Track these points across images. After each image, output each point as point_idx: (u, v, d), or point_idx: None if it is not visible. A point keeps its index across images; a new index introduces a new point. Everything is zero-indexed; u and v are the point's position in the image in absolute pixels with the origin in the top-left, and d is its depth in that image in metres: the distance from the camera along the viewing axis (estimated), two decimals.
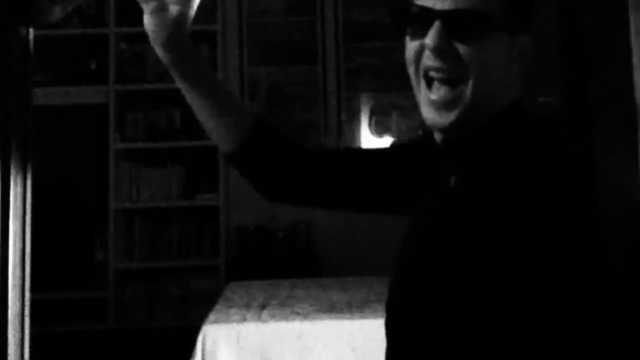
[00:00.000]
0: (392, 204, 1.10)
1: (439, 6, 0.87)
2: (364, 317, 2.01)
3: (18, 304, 0.87)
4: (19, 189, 0.89)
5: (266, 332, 1.98)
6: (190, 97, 1.06)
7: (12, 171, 0.88)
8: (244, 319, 2.05)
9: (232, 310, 2.18)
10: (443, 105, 0.88)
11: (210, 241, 3.57)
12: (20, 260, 0.88)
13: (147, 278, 3.56)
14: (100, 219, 3.55)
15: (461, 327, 0.80)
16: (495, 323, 0.79)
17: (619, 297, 0.88)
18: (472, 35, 0.87)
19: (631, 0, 1.24)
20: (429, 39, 0.86)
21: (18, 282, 0.87)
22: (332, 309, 2.15)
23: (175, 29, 0.94)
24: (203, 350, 1.96)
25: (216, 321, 2.04)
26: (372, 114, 3.71)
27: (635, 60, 1.24)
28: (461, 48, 0.87)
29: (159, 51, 0.98)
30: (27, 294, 0.90)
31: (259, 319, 2.06)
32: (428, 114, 0.90)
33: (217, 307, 2.26)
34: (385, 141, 3.68)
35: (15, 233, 0.87)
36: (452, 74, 0.87)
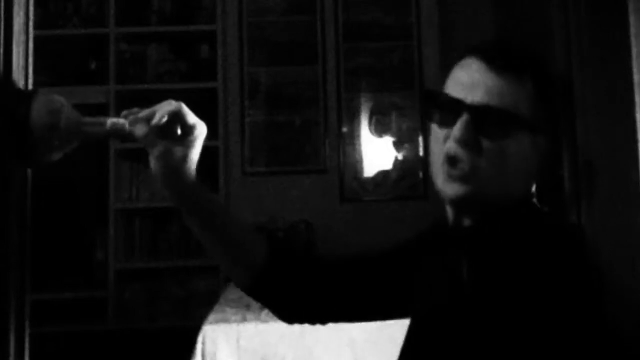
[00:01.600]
0: (391, 307, 1.12)
1: (469, 100, 0.90)
2: None
3: (18, 304, 0.87)
4: (19, 189, 0.89)
5: (266, 332, 1.98)
6: (198, 232, 1.05)
7: (12, 171, 0.88)
8: (244, 319, 2.05)
9: (232, 310, 2.18)
10: (459, 178, 0.90)
11: None
12: (20, 260, 0.88)
13: (147, 278, 3.56)
14: (100, 219, 3.54)
15: None
16: None
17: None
18: (498, 132, 0.89)
19: (631, 1, 1.24)
20: (457, 130, 0.89)
21: (18, 282, 0.87)
22: None
23: (180, 170, 0.94)
24: (203, 350, 1.96)
25: (216, 321, 2.04)
26: (372, 114, 3.71)
27: (635, 60, 1.23)
28: (485, 142, 0.89)
29: (163, 189, 0.97)
30: (27, 294, 0.90)
31: (259, 319, 2.06)
32: (444, 185, 0.92)
33: (217, 307, 2.26)
34: (386, 141, 3.68)
35: (15, 233, 0.87)
36: (470, 164, 0.90)
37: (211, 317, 2.09)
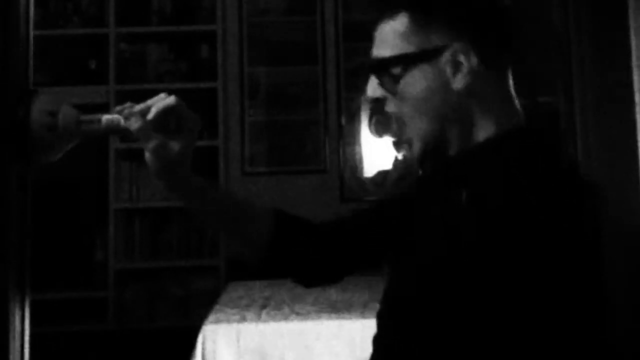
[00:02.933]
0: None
1: (371, 58, 0.95)
2: (364, 317, 2.01)
3: (18, 304, 0.87)
4: (19, 189, 0.89)
5: (266, 332, 1.98)
6: (203, 219, 1.08)
7: (12, 171, 0.88)
8: (244, 319, 2.05)
9: (232, 310, 2.18)
10: (396, 145, 0.95)
11: (210, 241, 3.57)
12: (20, 260, 0.88)
13: (147, 278, 3.57)
14: (100, 219, 3.54)
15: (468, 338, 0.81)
16: (499, 337, 0.79)
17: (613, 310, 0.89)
18: (392, 78, 0.92)
19: (631, 1, 1.24)
20: (367, 92, 0.96)
21: (18, 282, 0.87)
22: (332, 309, 2.15)
23: (176, 163, 0.94)
24: (203, 350, 1.96)
25: (216, 321, 2.04)
26: (372, 114, 3.71)
27: (635, 60, 1.24)
28: (389, 93, 0.94)
29: (158, 181, 0.98)
30: (27, 294, 0.90)
31: (259, 319, 2.06)
32: (396, 152, 0.97)
33: (217, 307, 2.26)
34: (385, 141, 3.68)
35: (15, 233, 0.87)
36: (389, 119, 0.95)
37: (211, 317, 2.09)
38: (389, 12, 0.93)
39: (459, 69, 0.90)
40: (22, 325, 0.88)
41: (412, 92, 0.92)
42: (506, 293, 0.78)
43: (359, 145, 3.70)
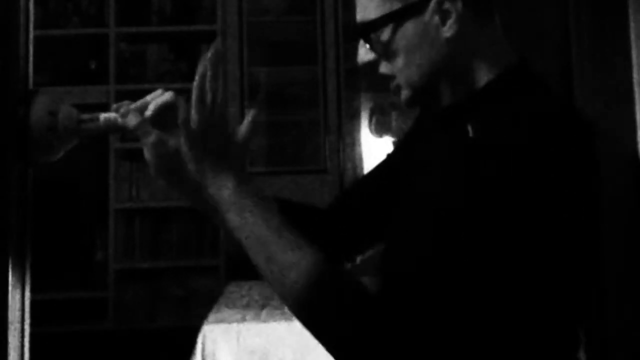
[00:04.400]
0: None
1: (357, 22, 0.94)
2: None
3: (18, 304, 0.87)
4: (19, 189, 0.90)
5: (266, 332, 1.98)
6: (205, 214, 1.04)
7: (12, 171, 0.88)
8: (244, 319, 2.05)
9: (232, 310, 2.18)
10: (394, 90, 0.95)
11: (210, 241, 3.57)
12: (20, 260, 0.88)
13: (147, 278, 3.57)
14: (100, 219, 3.55)
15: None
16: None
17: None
18: (383, 39, 0.92)
19: (631, 1, 1.24)
20: (358, 59, 0.96)
21: (18, 282, 0.87)
22: None
23: (174, 160, 0.93)
24: (203, 350, 1.96)
25: (216, 321, 2.04)
26: (372, 114, 3.71)
27: (635, 60, 1.24)
28: (381, 52, 0.93)
29: (157, 178, 0.97)
30: (27, 294, 0.90)
31: (259, 319, 2.06)
32: (398, 97, 0.97)
33: (217, 307, 2.26)
34: (386, 141, 3.68)
35: (15, 233, 0.87)
36: (385, 75, 0.95)
37: (211, 317, 2.09)
38: None
39: (447, 17, 0.90)
40: (22, 325, 0.88)
41: (403, 48, 0.91)
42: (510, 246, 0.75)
43: (359, 145, 3.70)
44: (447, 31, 0.90)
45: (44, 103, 0.91)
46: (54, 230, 3.41)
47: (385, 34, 0.91)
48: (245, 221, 0.89)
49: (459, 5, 0.89)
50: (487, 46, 0.92)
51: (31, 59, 0.95)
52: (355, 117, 3.71)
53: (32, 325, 0.91)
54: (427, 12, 0.90)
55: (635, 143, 1.28)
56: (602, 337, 1.28)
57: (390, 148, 3.68)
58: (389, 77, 0.96)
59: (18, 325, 0.87)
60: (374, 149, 3.68)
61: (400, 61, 0.92)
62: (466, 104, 0.92)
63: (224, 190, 0.89)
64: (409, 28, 0.91)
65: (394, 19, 0.91)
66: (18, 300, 0.87)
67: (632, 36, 1.26)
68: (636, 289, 1.32)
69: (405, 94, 0.94)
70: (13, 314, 0.86)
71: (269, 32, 3.74)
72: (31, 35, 0.95)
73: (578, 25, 1.30)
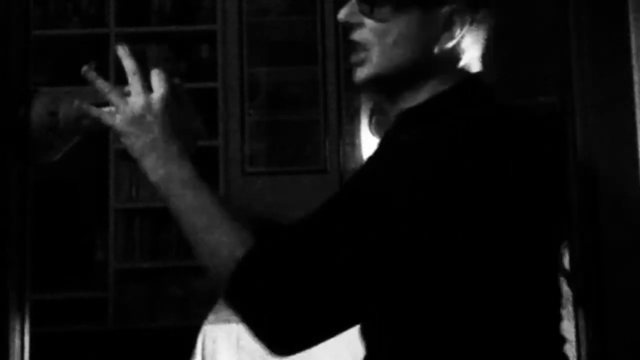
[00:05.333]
0: None
1: None
2: None
3: (18, 304, 0.87)
4: (19, 189, 0.90)
5: None
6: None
7: (12, 171, 0.88)
8: None
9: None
10: (356, 65, 0.97)
11: None
12: (20, 260, 0.88)
13: (147, 278, 3.57)
14: (100, 219, 3.55)
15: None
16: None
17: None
18: (381, 12, 0.91)
19: (631, 1, 1.24)
20: (340, 14, 0.96)
21: (18, 282, 0.87)
22: None
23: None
24: (203, 350, 1.96)
25: (216, 321, 2.04)
26: (372, 114, 3.71)
27: (635, 60, 1.24)
28: (369, 24, 0.93)
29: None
30: (27, 294, 0.90)
31: None
32: (353, 75, 0.99)
33: (217, 307, 2.26)
34: None
35: (15, 233, 0.87)
36: (360, 42, 0.95)
37: (211, 317, 2.09)
38: None
39: (451, 27, 0.91)
40: (22, 325, 0.88)
41: (397, 30, 0.91)
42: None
43: (359, 145, 3.70)
44: (444, 42, 0.91)
45: (44, 103, 0.91)
46: (54, 230, 3.41)
47: (389, 6, 0.91)
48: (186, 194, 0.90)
49: (467, 22, 0.91)
50: (459, 61, 0.94)
51: (31, 59, 0.95)
52: (355, 117, 3.71)
53: (32, 325, 0.91)
54: (437, 14, 0.91)
55: (635, 143, 1.28)
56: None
57: None
58: (358, 47, 0.96)
59: (18, 326, 0.87)
60: (374, 149, 3.68)
61: (385, 40, 0.92)
62: (414, 111, 0.94)
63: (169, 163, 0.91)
64: (415, 15, 0.91)
65: (407, 1, 0.90)
66: (18, 300, 0.87)
67: (632, 36, 1.26)
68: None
69: (366, 72, 0.95)
70: (13, 314, 0.86)
71: (269, 32, 3.74)
72: (31, 35, 0.95)
73: (578, 25, 1.30)
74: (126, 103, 0.91)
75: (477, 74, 0.96)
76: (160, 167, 0.91)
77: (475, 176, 0.79)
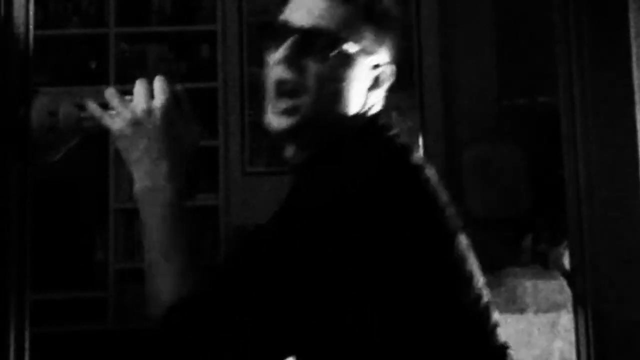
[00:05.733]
0: None
1: (297, 22, 0.93)
2: None
3: (18, 304, 0.87)
4: (19, 189, 0.90)
5: None
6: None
7: (12, 171, 0.88)
8: None
9: None
10: (284, 112, 0.94)
11: (210, 241, 3.57)
12: (20, 260, 0.88)
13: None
14: (100, 219, 3.55)
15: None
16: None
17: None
18: (322, 53, 0.91)
19: (631, 1, 1.24)
20: (280, 52, 0.94)
21: (18, 282, 0.87)
22: None
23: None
24: None
25: None
26: None
27: (635, 60, 1.24)
28: (309, 64, 0.91)
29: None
30: (27, 294, 0.90)
31: None
32: (271, 119, 0.96)
33: None
34: None
35: (15, 233, 0.87)
36: (296, 85, 0.92)
37: None
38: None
39: (378, 87, 0.97)
40: (22, 325, 0.88)
41: (337, 74, 0.92)
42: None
43: None
44: (372, 98, 0.96)
45: (44, 103, 0.91)
46: (54, 230, 3.41)
47: (338, 55, 0.91)
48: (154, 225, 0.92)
49: (391, 76, 0.97)
50: (372, 109, 0.98)
51: (31, 59, 0.95)
52: None
53: (32, 325, 0.91)
54: (374, 70, 0.95)
55: (635, 144, 1.28)
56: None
57: None
58: (285, 88, 0.94)
59: (18, 325, 0.87)
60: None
61: (325, 89, 0.92)
62: (321, 153, 0.94)
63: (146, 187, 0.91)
64: (349, 64, 0.93)
65: (351, 46, 0.92)
66: (18, 300, 0.87)
67: (632, 36, 1.26)
68: None
69: (295, 121, 0.93)
70: (13, 314, 0.86)
71: None
72: (31, 35, 0.95)
73: (578, 25, 1.30)
74: (127, 107, 0.91)
75: (379, 114, 0.99)
76: (146, 180, 0.91)
77: (366, 226, 0.81)
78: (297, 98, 0.93)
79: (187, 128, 0.94)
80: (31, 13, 0.94)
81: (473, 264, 0.94)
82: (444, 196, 0.92)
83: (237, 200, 3.55)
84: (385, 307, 0.81)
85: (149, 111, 0.91)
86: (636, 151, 1.26)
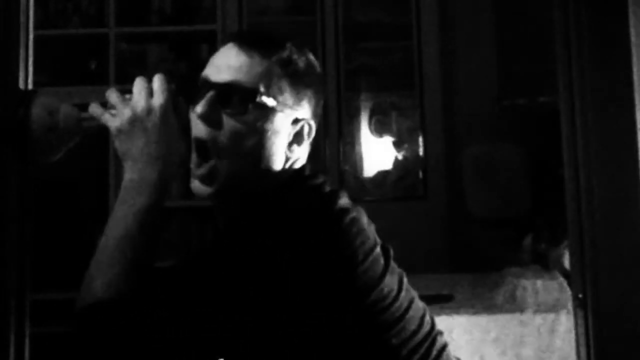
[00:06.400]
0: None
1: (214, 78, 0.95)
2: None
3: (18, 304, 0.87)
4: (19, 189, 0.90)
5: None
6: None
7: (12, 171, 0.88)
8: None
9: None
10: (202, 180, 0.93)
11: (209, 241, 3.57)
12: (20, 260, 0.88)
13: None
14: (100, 219, 3.54)
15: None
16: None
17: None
18: (240, 107, 0.92)
19: (631, 1, 1.24)
20: (198, 108, 0.93)
21: (18, 282, 0.87)
22: None
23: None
24: None
25: None
26: (372, 114, 3.71)
27: (635, 60, 1.24)
28: (226, 120, 0.92)
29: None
30: (27, 294, 0.90)
31: None
32: (194, 186, 0.95)
33: None
34: (385, 141, 3.68)
35: (15, 233, 0.87)
36: (212, 144, 0.92)
37: None
38: (257, 50, 0.94)
39: (300, 142, 0.98)
40: (22, 325, 0.88)
41: (256, 128, 0.93)
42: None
43: (359, 145, 3.70)
44: (294, 153, 0.97)
45: (44, 103, 0.91)
46: (54, 230, 3.41)
47: (244, 104, 0.92)
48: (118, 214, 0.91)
49: (313, 132, 1.00)
50: (295, 163, 1.00)
51: (31, 59, 0.95)
52: (355, 117, 3.71)
53: (32, 325, 0.91)
54: (295, 125, 0.97)
55: (635, 145, 1.28)
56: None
57: (390, 148, 3.69)
58: (202, 151, 0.93)
59: (18, 325, 0.87)
60: (374, 149, 3.68)
61: (241, 147, 0.92)
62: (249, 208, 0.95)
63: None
64: (268, 120, 0.94)
65: (269, 101, 0.92)
66: (18, 300, 0.87)
67: (632, 36, 1.26)
68: None
69: (216, 187, 0.94)
70: (13, 314, 0.86)
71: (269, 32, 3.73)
72: (31, 35, 0.95)
73: (578, 25, 1.31)
74: (127, 105, 0.91)
75: (304, 167, 1.02)
76: (136, 174, 0.92)
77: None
78: (213, 160, 0.93)
79: (182, 131, 0.94)
80: (31, 13, 0.94)
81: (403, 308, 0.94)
82: (371, 236, 0.95)
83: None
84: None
85: (149, 109, 0.91)
86: (636, 151, 1.26)
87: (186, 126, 0.96)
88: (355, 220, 0.93)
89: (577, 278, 1.33)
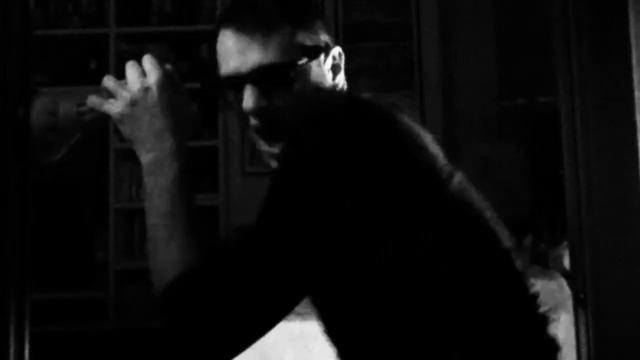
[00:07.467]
0: None
1: (243, 69, 0.93)
2: None
3: (18, 304, 0.87)
4: (19, 189, 0.90)
5: None
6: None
7: (12, 171, 0.88)
8: None
9: None
10: (279, 157, 0.95)
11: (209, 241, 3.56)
12: (20, 260, 0.88)
13: (147, 278, 3.55)
14: (100, 219, 3.55)
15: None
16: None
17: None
18: (283, 86, 0.93)
19: (631, 1, 1.24)
20: (246, 104, 0.93)
21: (18, 282, 0.87)
22: None
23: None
24: None
25: None
26: None
27: (635, 60, 1.24)
28: (276, 97, 0.93)
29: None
30: (27, 294, 0.90)
31: None
32: (274, 164, 0.98)
33: None
34: None
35: (15, 233, 0.87)
36: (274, 125, 0.94)
37: None
38: (264, 26, 0.94)
39: (337, 71, 1.03)
40: (22, 325, 0.88)
41: (304, 93, 0.94)
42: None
43: None
44: (336, 74, 1.02)
45: (44, 103, 0.91)
46: (54, 230, 3.41)
47: (288, 77, 0.93)
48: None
49: (341, 51, 1.03)
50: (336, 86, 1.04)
51: (31, 59, 0.95)
52: None
53: (32, 325, 0.91)
54: (325, 61, 1.00)
55: (635, 145, 1.28)
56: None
57: None
58: (269, 134, 0.95)
59: (18, 325, 0.87)
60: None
61: (292, 109, 0.93)
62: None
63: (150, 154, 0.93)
64: (307, 78, 0.95)
65: (299, 63, 0.94)
66: (18, 300, 0.87)
67: (632, 36, 1.26)
68: None
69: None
70: (13, 314, 0.86)
71: None
72: (31, 35, 0.95)
73: (578, 25, 1.31)
74: (124, 89, 0.92)
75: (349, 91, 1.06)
76: (152, 152, 0.94)
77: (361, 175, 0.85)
78: (282, 136, 0.93)
79: (184, 105, 0.94)
80: (31, 13, 0.94)
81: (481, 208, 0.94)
82: (434, 149, 0.94)
83: (237, 200, 3.55)
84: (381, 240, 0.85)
85: (145, 89, 0.91)
86: (636, 151, 1.26)
87: (187, 100, 0.96)
88: (417, 129, 0.97)
89: (577, 278, 1.33)
